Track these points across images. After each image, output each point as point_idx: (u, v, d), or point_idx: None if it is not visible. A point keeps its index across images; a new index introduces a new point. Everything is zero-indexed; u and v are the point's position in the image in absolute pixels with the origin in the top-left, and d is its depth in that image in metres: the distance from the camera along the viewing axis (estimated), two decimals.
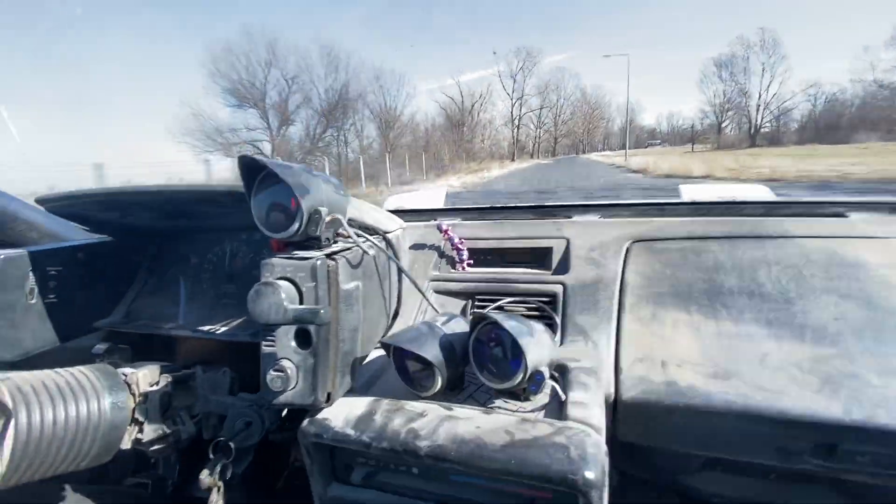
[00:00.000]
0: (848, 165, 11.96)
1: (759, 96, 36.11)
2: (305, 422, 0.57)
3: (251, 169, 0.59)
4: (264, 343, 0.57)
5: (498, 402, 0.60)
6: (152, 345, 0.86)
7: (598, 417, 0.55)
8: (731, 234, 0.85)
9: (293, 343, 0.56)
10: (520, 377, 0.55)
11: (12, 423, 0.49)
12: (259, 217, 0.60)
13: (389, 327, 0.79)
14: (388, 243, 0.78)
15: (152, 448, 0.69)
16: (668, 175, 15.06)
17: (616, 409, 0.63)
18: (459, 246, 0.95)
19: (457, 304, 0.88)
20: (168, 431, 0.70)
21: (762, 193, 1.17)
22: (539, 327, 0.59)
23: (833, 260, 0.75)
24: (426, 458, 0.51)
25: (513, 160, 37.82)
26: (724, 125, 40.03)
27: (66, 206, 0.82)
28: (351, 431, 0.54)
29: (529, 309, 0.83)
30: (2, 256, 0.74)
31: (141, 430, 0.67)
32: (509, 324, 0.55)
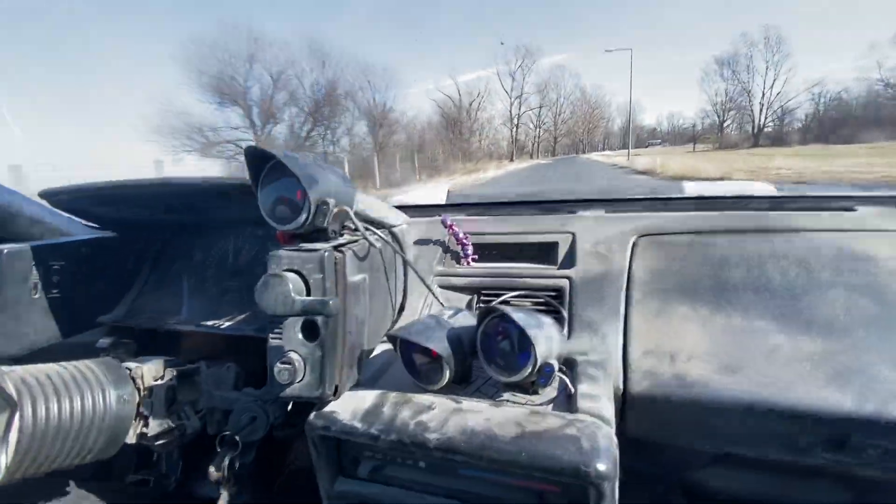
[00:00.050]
0: (870, 166, 11.23)
1: (763, 95, 35.69)
2: (313, 415, 0.57)
3: (258, 160, 0.59)
4: (271, 336, 0.56)
5: (506, 396, 0.59)
6: (156, 340, 0.86)
7: (609, 410, 0.54)
8: (738, 227, 0.84)
9: (300, 335, 0.55)
10: (529, 370, 0.54)
11: (17, 415, 0.49)
12: (266, 209, 0.59)
13: (395, 322, 0.79)
14: (394, 237, 0.77)
15: (157, 443, 0.68)
16: (680, 177, 13.74)
17: (624, 403, 0.63)
18: (464, 241, 0.94)
19: (462, 300, 0.88)
20: (173, 426, 0.70)
21: (766, 189, 1.17)
22: (547, 320, 0.59)
23: (842, 253, 0.75)
24: (435, 450, 0.50)
25: (511, 160, 37.23)
26: (725, 124, 39.86)
27: (70, 200, 0.82)
28: (359, 424, 0.54)
29: (536, 303, 0.82)
30: (5, 251, 0.73)
31: (146, 425, 0.67)
32: (518, 316, 0.55)
